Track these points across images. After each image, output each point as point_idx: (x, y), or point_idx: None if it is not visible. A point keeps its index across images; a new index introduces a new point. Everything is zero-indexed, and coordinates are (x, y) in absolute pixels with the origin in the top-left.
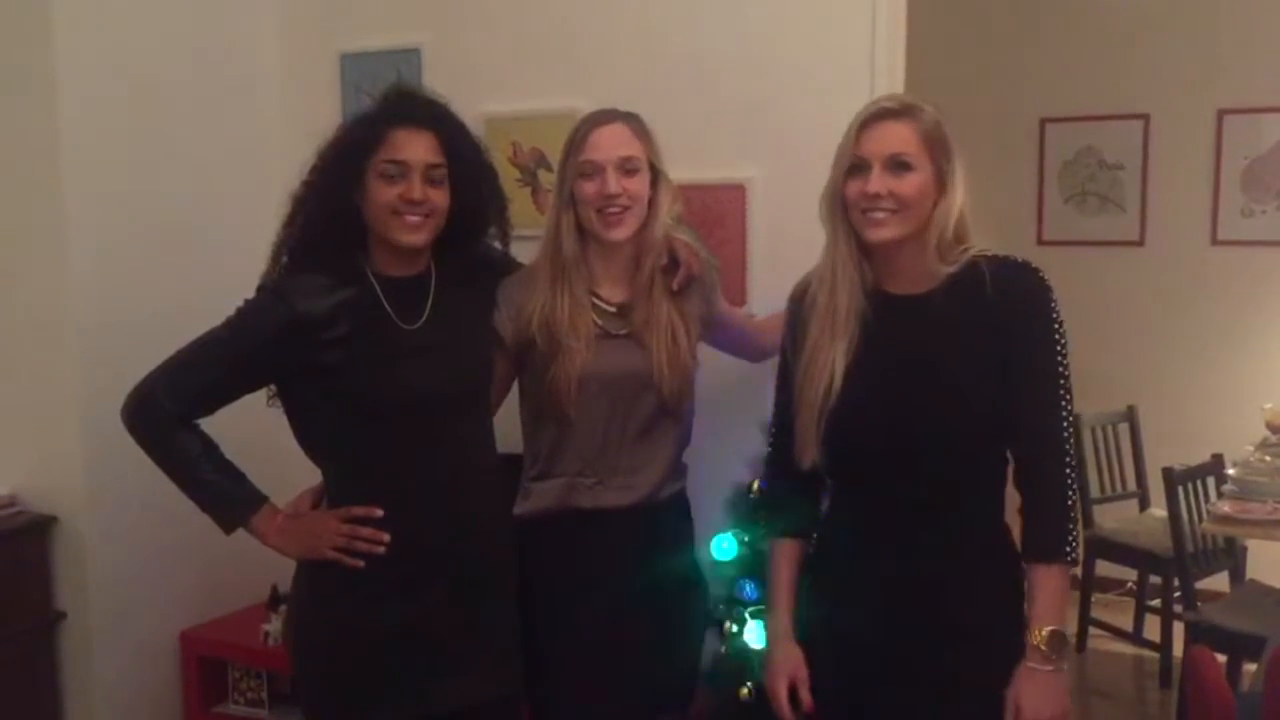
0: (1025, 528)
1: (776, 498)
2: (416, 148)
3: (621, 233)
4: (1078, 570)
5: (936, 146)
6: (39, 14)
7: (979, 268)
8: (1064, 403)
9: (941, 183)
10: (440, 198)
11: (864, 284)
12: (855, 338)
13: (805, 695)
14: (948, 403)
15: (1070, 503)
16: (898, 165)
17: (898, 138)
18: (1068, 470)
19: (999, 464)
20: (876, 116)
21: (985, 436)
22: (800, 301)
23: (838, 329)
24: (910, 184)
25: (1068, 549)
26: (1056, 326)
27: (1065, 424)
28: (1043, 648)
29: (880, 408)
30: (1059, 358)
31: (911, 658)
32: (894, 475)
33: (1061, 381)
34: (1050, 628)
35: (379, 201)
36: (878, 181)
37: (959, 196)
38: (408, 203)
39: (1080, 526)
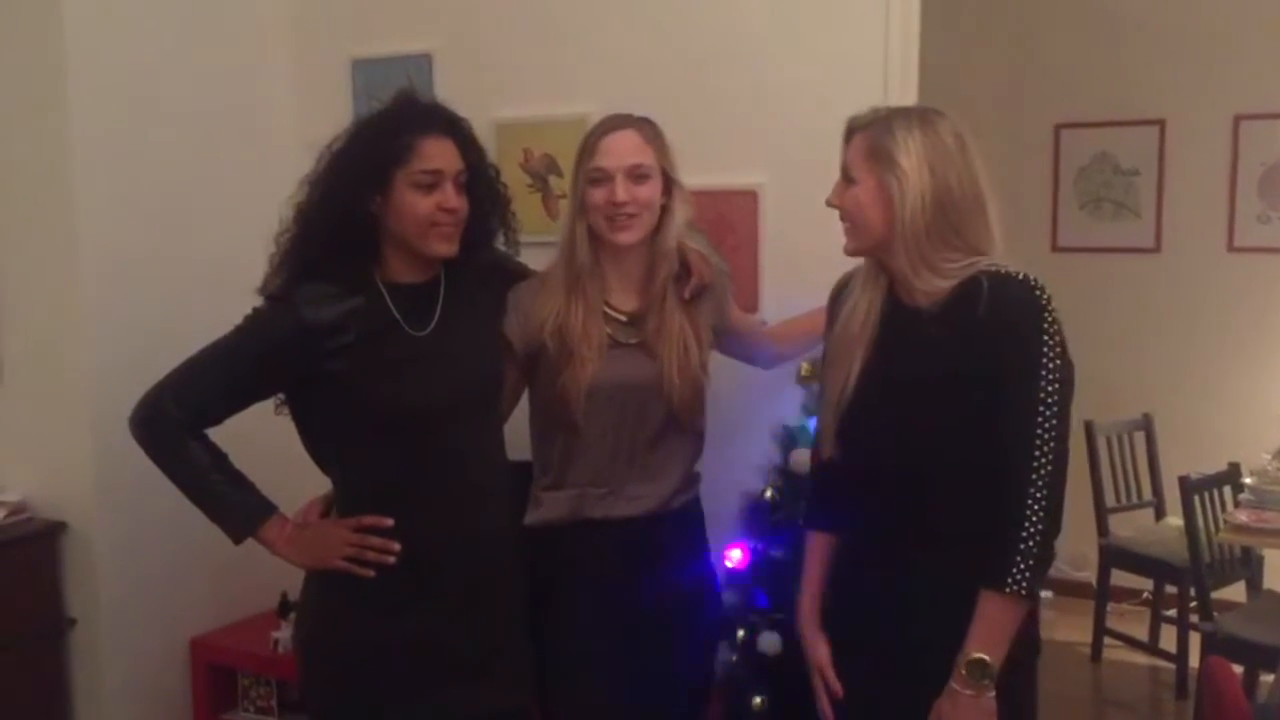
0: (983, 550)
1: (813, 488)
2: (446, 156)
3: (628, 237)
4: (1093, 580)
5: (879, 160)
6: (50, 22)
7: (979, 284)
8: (1042, 430)
9: (885, 193)
10: (465, 204)
11: (882, 293)
12: (871, 344)
13: (833, 682)
14: (929, 423)
15: (1027, 534)
16: (846, 177)
17: (851, 150)
18: (1031, 503)
19: (991, 482)
20: (847, 130)
21: (976, 450)
22: (839, 296)
23: (853, 335)
24: (849, 195)
25: (1010, 581)
26: (1045, 350)
27: (1039, 455)
28: (963, 672)
29: (876, 419)
30: (1044, 382)
31: (900, 662)
32: (892, 484)
33: (1043, 409)
34: (975, 655)
35: (416, 213)
36: (832, 192)
37: (909, 209)
38: (446, 212)
39: (1040, 562)
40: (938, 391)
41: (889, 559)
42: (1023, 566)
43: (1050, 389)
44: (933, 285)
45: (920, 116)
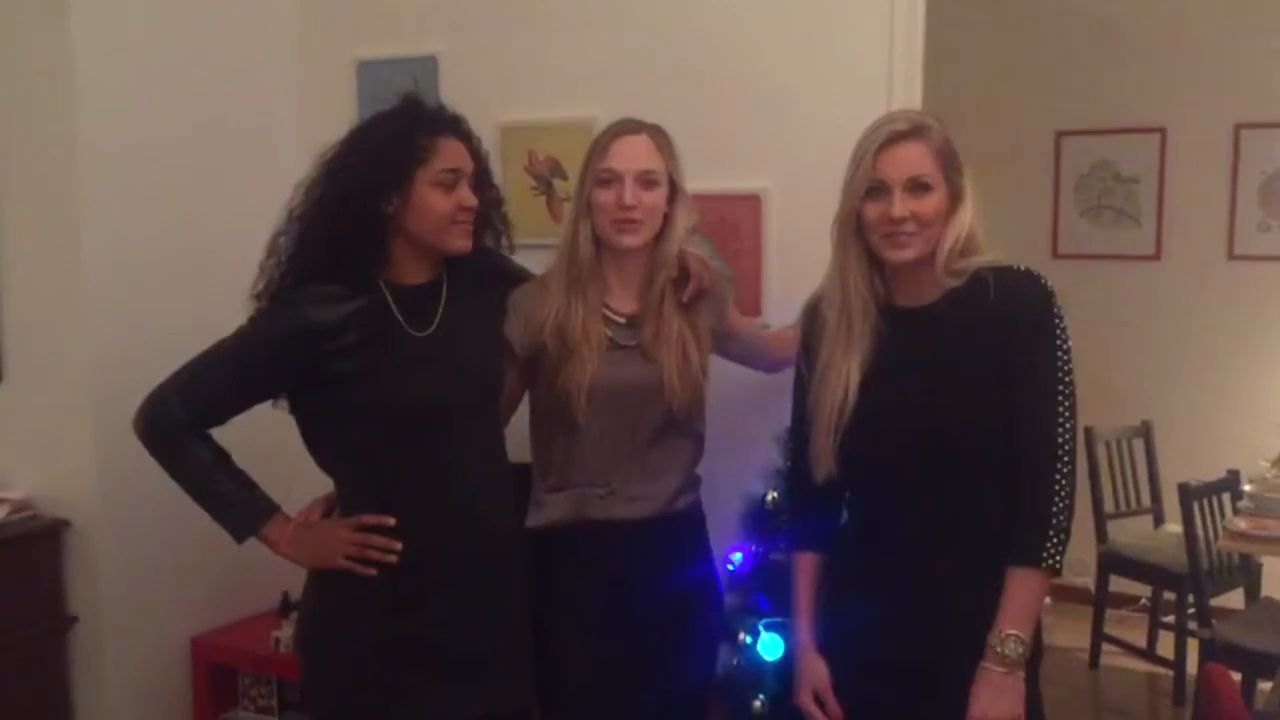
0: (1010, 531)
1: (796, 511)
2: (462, 156)
3: (631, 241)
4: (1091, 586)
5: (949, 162)
6: (57, 23)
7: (984, 278)
8: (1061, 409)
9: (957, 197)
10: (478, 202)
11: (877, 300)
12: (869, 352)
13: (832, 704)
14: (956, 414)
15: (1056, 509)
16: (918, 187)
17: (915, 159)
18: (1058, 477)
19: (1010, 473)
20: (891, 139)
21: (992, 445)
22: (813, 316)
23: (852, 345)
24: (930, 204)
25: (1044, 556)
26: (1058, 334)
27: (1061, 431)
28: (998, 650)
29: (892, 420)
30: (1059, 364)
31: (922, 668)
32: (906, 488)
33: (1060, 389)
34: (1009, 632)
35: (439, 211)
36: (901, 205)
37: (970, 208)
38: (465, 210)
39: (1065, 537)
40: (955, 381)
41: (904, 567)
42: (1055, 541)
43: (1066, 369)
44: (941, 282)
45: (937, 118)
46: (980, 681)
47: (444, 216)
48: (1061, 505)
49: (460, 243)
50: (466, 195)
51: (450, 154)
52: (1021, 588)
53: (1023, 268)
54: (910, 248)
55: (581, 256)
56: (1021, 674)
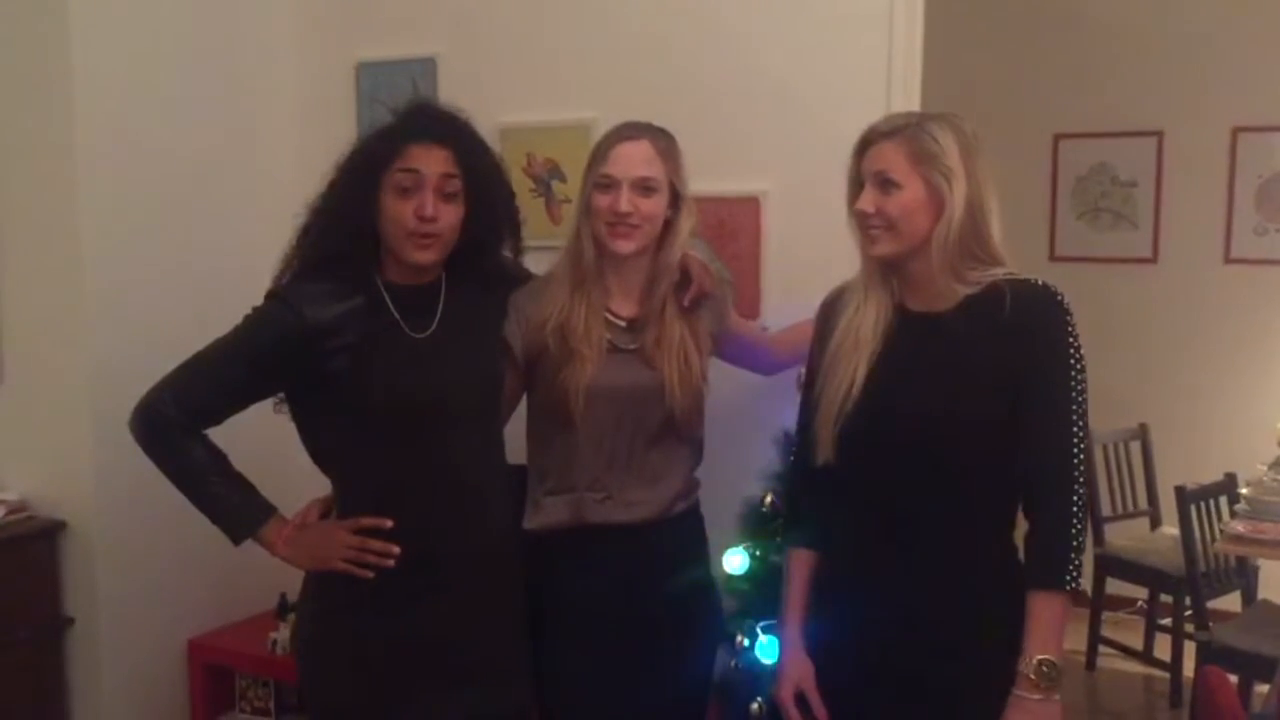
0: (1027, 553)
1: (796, 504)
2: (430, 160)
3: (625, 246)
4: (1088, 588)
5: (927, 164)
6: (56, 23)
7: (1000, 290)
8: (1075, 429)
9: (937, 199)
10: (451, 214)
11: (891, 298)
12: (878, 349)
13: (817, 704)
14: (951, 420)
15: (1074, 530)
16: (884, 183)
17: (885, 157)
18: (1074, 498)
19: (1006, 484)
20: (870, 137)
21: (990, 455)
22: (831, 308)
23: (862, 339)
24: (895, 202)
25: (1068, 578)
26: (1072, 351)
27: (1075, 451)
28: (1032, 676)
29: (889, 419)
30: (1073, 383)
31: (909, 669)
32: (898, 487)
33: (1074, 407)
34: (1041, 657)
35: (393, 216)
36: (867, 200)
37: (958, 213)
38: (420, 219)
39: (1083, 555)
40: (959, 389)
41: (910, 558)
42: (1076, 561)
43: (1079, 389)
44: (953, 290)
45: (947, 119)
46: (1014, 709)
47: (398, 224)
48: (1079, 527)
49: (417, 255)
50: (424, 203)
51: (414, 158)
52: (1046, 611)
53: (1040, 282)
54: (880, 243)
55: (586, 259)
56: (1057, 697)
